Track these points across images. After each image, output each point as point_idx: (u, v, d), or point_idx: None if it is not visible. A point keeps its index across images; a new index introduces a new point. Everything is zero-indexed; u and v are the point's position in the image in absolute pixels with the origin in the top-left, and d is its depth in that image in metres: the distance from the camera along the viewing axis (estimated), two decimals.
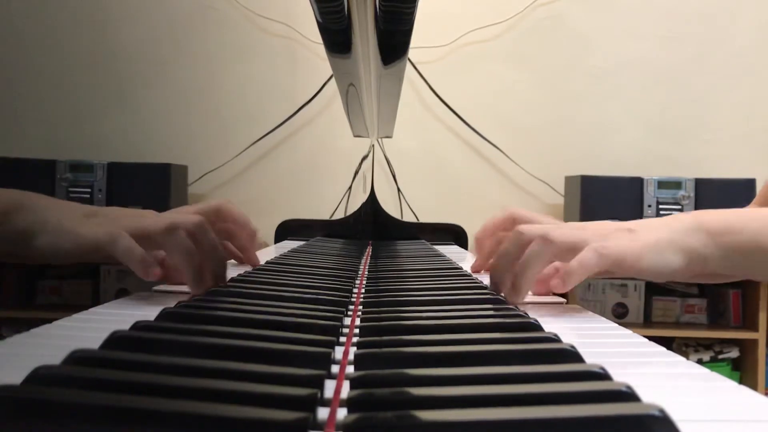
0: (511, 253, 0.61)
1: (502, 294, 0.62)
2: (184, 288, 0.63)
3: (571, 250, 0.59)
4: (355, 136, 1.60)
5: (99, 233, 0.59)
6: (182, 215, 0.64)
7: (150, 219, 0.63)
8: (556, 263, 0.64)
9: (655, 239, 0.59)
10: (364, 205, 1.58)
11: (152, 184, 2.14)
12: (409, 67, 1.95)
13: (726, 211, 0.62)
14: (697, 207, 2.15)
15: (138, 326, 0.40)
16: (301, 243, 1.34)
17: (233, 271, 0.78)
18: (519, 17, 2.47)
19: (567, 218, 2.31)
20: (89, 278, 2.31)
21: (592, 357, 0.37)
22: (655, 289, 2.30)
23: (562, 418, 0.26)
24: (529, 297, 0.65)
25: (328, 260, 0.93)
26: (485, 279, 0.78)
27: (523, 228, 0.62)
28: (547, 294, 0.66)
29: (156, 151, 2.41)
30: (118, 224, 0.61)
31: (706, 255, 0.59)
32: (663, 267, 0.59)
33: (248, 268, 0.81)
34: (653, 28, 2.46)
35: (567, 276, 0.58)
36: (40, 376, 0.29)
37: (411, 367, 0.35)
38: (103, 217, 0.63)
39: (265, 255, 1.04)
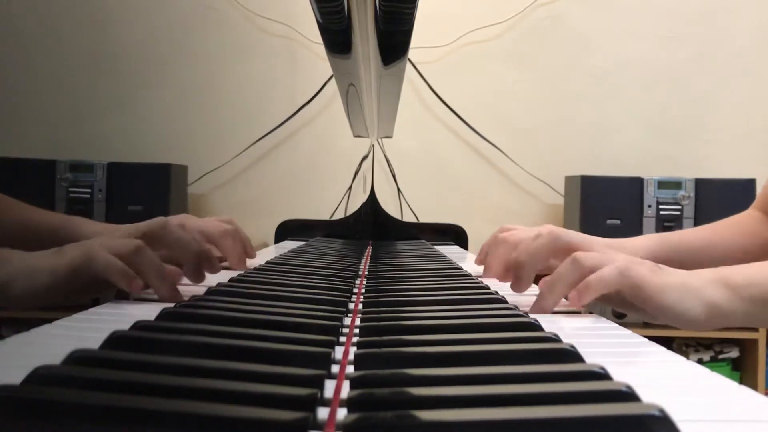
0: (543, 253, 0.66)
1: (513, 287, 0.66)
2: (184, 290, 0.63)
3: (596, 268, 0.60)
4: (355, 136, 1.60)
5: (73, 256, 0.59)
6: (143, 223, 0.67)
7: (116, 242, 0.63)
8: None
9: (680, 281, 0.59)
10: (364, 205, 1.58)
11: (152, 184, 2.14)
12: (409, 67, 1.95)
13: (747, 266, 0.62)
14: (697, 207, 2.15)
15: (138, 326, 0.40)
16: (301, 243, 1.34)
17: (233, 272, 0.78)
18: (519, 17, 2.47)
19: (567, 218, 2.31)
20: None
21: (592, 357, 0.37)
22: None
23: (562, 418, 0.26)
24: (529, 294, 0.65)
25: (328, 260, 0.93)
26: (485, 279, 0.78)
27: (562, 235, 0.67)
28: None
29: (156, 151, 2.41)
30: (89, 247, 0.61)
31: (728, 310, 0.59)
32: (683, 311, 0.59)
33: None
34: (653, 28, 2.46)
35: (584, 288, 0.58)
36: (40, 376, 0.29)
37: (411, 367, 0.35)
38: (71, 248, 0.62)
39: (265, 255, 1.04)
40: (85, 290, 0.63)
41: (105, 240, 0.63)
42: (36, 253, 0.63)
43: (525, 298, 0.66)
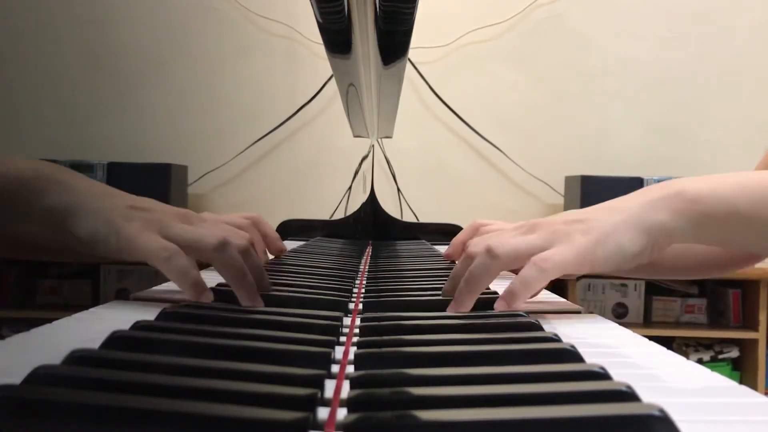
0: (459, 271, 0.58)
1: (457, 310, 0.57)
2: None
3: (516, 260, 0.56)
4: (355, 136, 1.60)
5: (153, 245, 0.53)
6: (232, 232, 0.59)
7: (202, 230, 0.57)
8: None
9: (609, 226, 0.55)
10: (364, 205, 1.58)
11: (152, 184, 2.14)
12: (409, 67, 1.95)
13: (701, 178, 0.57)
14: None
15: (138, 326, 0.40)
16: (301, 243, 1.34)
17: None
18: (519, 17, 2.47)
19: None
20: (89, 278, 2.31)
21: (592, 357, 0.37)
22: (655, 289, 2.31)
23: (563, 418, 0.26)
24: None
25: (328, 260, 0.93)
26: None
27: (471, 243, 0.60)
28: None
29: (156, 151, 2.41)
30: (163, 229, 0.55)
31: (672, 226, 0.54)
32: (621, 255, 0.54)
33: None
34: (653, 28, 2.46)
35: (510, 296, 0.54)
36: (40, 376, 0.29)
37: (411, 367, 0.35)
38: (147, 213, 0.56)
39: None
40: (135, 262, 0.57)
41: (181, 226, 0.56)
42: (109, 193, 0.57)
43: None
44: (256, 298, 0.54)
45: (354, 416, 0.27)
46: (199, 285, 0.53)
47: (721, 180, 0.56)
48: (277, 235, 0.86)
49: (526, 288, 0.54)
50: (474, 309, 0.54)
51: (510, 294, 0.54)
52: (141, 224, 0.55)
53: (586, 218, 0.58)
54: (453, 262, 0.85)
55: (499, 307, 0.54)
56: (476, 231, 0.67)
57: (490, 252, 0.56)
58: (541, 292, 0.67)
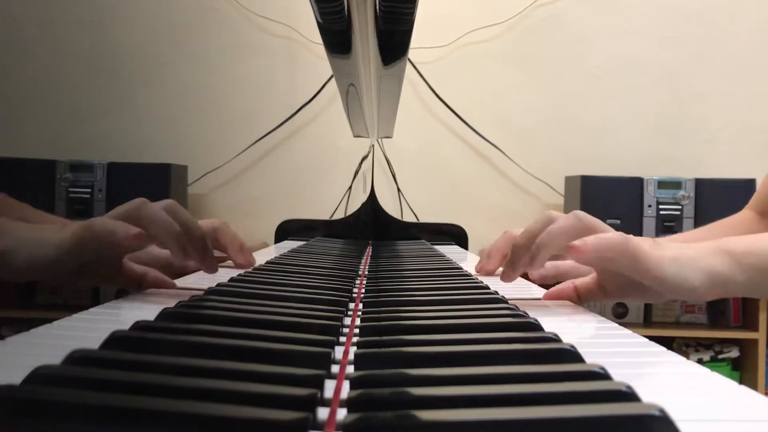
0: (536, 230, 0.63)
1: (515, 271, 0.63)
2: (184, 288, 0.63)
3: (595, 230, 0.61)
4: (355, 136, 1.60)
5: (77, 226, 0.59)
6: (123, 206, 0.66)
7: (123, 205, 0.63)
8: (575, 280, 0.65)
9: (677, 254, 0.59)
10: (364, 205, 1.58)
11: (152, 184, 2.14)
12: (409, 67, 1.95)
13: (748, 236, 0.62)
14: (697, 207, 2.15)
15: (138, 326, 0.40)
16: (301, 243, 1.34)
17: (234, 271, 0.78)
18: (519, 17, 2.47)
19: None
20: None
21: (592, 357, 0.37)
22: None
23: (563, 418, 0.26)
24: (529, 294, 0.65)
25: (328, 260, 0.93)
26: (485, 279, 0.78)
27: (552, 212, 0.65)
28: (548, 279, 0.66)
29: (156, 151, 2.41)
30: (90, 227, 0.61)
31: (729, 277, 0.59)
32: (683, 281, 0.58)
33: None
34: (653, 28, 2.46)
35: (583, 245, 0.57)
36: (40, 376, 0.29)
37: (411, 367, 0.35)
38: (75, 223, 0.62)
39: (265, 255, 1.04)
40: (91, 267, 0.62)
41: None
42: (41, 225, 0.63)
43: (524, 297, 0.66)
44: (184, 255, 0.61)
45: (354, 416, 0.27)
46: (128, 229, 0.59)
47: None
48: (241, 243, 0.85)
49: (600, 242, 0.57)
50: (473, 306, 0.54)
51: (584, 243, 0.57)
52: (69, 229, 0.59)
53: (658, 241, 0.62)
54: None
55: (573, 249, 0.57)
56: (513, 239, 0.70)
57: (578, 218, 0.61)
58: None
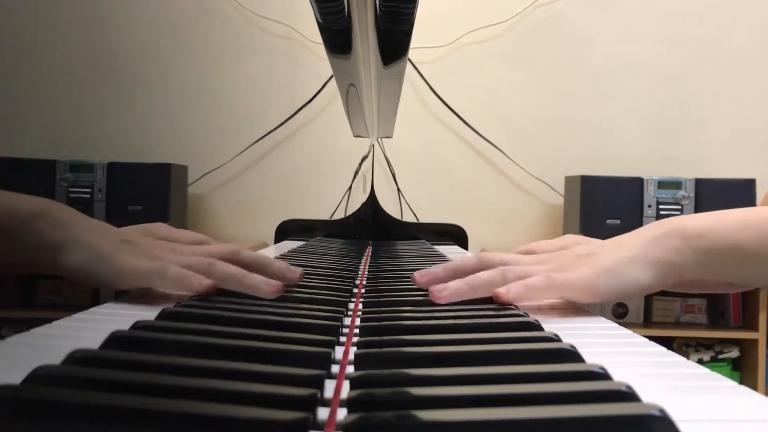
0: (466, 266, 0.60)
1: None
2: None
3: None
4: (355, 136, 1.60)
5: (145, 267, 0.56)
6: (215, 250, 0.62)
7: (190, 258, 0.59)
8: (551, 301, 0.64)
9: (614, 260, 0.57)
10: (364, 205, 1.58)
11: (152, 184, 2.14)
12: (409, 67, 1.95)
13: (705, 214, 0.60)
14: (697, 207, 2.15)
15: (138, 326, 0.40)
16: (301, 243, 1.34)
17: None
18: (519, 17, 2.47)
19: (567, 218, 2.31)
20: None
21: (592, 357, 0.37)
22: None
23: (562, 418, 0.26)
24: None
25: (328, 260, 0.93)
26: None
27: (487, 255, 0.62)
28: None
29: (156, 151, 2.42)
30: (157, 256, 0.58)
31: (680, 263, 0.57)
32: (625, 287, 0.57)
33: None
34: (653, 28, 2.46)
35: (506, 293, 0.56)
36: (40, 376, 0.29)
37: (411, 367, 0.35)
38: (138, 246, 0.59)
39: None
40: (136, 287, 0.60)
41: (171, 253, 0.60)
42: (103, 228, 0.60)
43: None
44: (267, 284, 0.56)
45: (354, 416, 0.27)
46: (201, 280, 0.56)
47: (723, 216, 0.58)
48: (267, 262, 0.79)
49: (528, 290, 0.56)
50: (473, 306, 0.54)
51: (514, 288, 0.56)
52: (132, 256, 0.58)
53: (593, 253, 0.60)
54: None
55: (497, 295, 0.56)
56: (482, 263, 0.66)
57: (503, 273, 0.58)
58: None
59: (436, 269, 0.62)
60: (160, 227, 0.67)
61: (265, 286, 0.57)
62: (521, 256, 0.65)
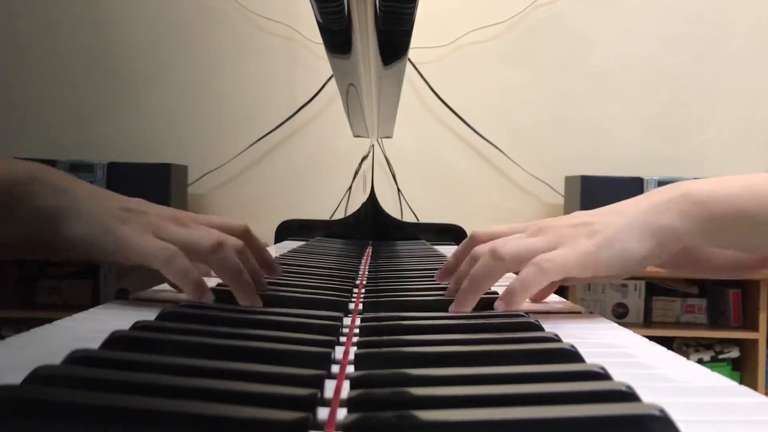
0: (463, 272, 0.59)
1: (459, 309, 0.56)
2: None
3: (520, 261, 0.55)
4: (355, 136, 1.60)
5: (152, 246, 0.53)
6: (226, 235, 0.58)
7: (197, 232, 0.57)
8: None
9: (614, 230, 0.54)
10: (364, 205, 1.58)
11: (152, 184, 2.14)
12: (409, 67, 1.95)
13: (710, 180, 0.56)
14: None
15: (138, 326, 0.40)
16: (301, 243, 1.34)
17: None
18: (519, 17, 2.47)
19: None
20: (89, 278, 2.31)
21: (592, 357, 0.37)
22: (655, 289, 2.31)
23: (563, 418, 0.26)
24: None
25: (328, 260, 0.93)
26: None
27: (477, 245, 0.61)
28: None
29: (156, 151, 2.42)
30: (158, 231, 0.55)
31: (681, 228, 0.53)
32: (626, 259, 0.54)
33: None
34: (653, 28, 2.46)
35: (508, 296, 0.54)
36: (40, 376, 0.29)
37: (411, 367, 0.35)
38: (142, 216, 0.56)
39: None
40: (133, 267, 0.56)
41: (177, 227, 0.56)
42: (102, 196, 0.56)
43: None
44: (254, 297, 0.54)
45: (354, 416, 0.27)
46: (201, 285, 0.53)
47: (728, 182, 0.55)
48: (264, 248, 0.78)
49: (524, 288, 0.54)
50: (474, 309, 0.54)
51: (508, 294, 0.54)
52: (137, 226, 0.54)
53: (591, 221, 0.57)
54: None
55: (498, 307, 0.54)
56: (473, 241, 0.65)
57: (494, 253, 0.55)
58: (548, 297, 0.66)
59: (447, 262, 0.64)
60: (252, 238, 0.62)
61: (246, 297, 0.54)
62: (513, 228, 0.63)
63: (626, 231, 0.54)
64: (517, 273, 0.57)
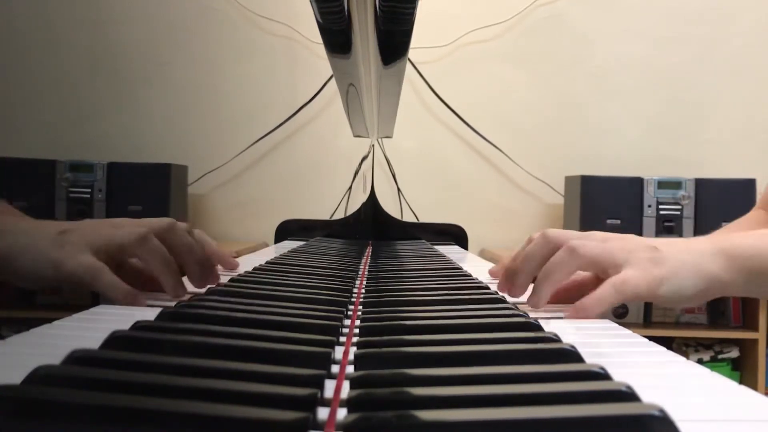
0: (536, 256, 0.62)
1: (510, 293, 0.63)
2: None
3: (595, 264, 0.59)
4: (355, 136, 1.60)
5: (80, 267, 0.57)
6: (152, 222, 0.63)
7: (123, 230, 0.61)
8: (576, 276, 0.65)
9: (679, 264, 0.58)
10: (364, 205, 1.58)
11: (152, 184, 2.14)
12: (409, 67, 1.95)
13: (744, 234, 0.61)
14: (697, 207, 2.15)
15: (138, 326, 0.40)
16: (301, 243, 1.34)
17: (233, 271, 0.78)
18: (519, 17, 2.47)
19: (567, 218, 2.31)
20: None
21: (592, 357, 0.37)
22: None
23: (562, 418, 0.26)
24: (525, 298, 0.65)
25: (328, 260, 0.93)
26: (485, 278, 0.78)
27: (551, 234, 0.63)
28: (559, 303, 0.64)
29: (156, 151, 2.41)
30: (92, 242, 0.59)
31: (727, 280, 0.58)
32: (680, 295, 0.58)
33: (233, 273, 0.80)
34: (653, 28, 2.46)
35: (581, 310, 0.57)
36: (40, 376, 0.29)
37: (411, 367, 0.35)
38: (76, 234, 0.60)
39: (265, 255, 1.04)
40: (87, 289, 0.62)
41: (106, 236, 0.60)
42: (41, 226, 0.61)
43: (525, 298, 0.66)
44: (178, 289, 0.59)
45: (354, 416, 0.27)
46: (131, 293, 0.57)
47: (765, 237, 0.60)
48: (217, 250, 0.80)
49: (599, 306, 0.57)
50: (474, 302, 0.54)
51: (582, 309, 0.57)
52: (71, 248, 0.58)
53: (659, 248, 0.60)
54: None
55: (568, 316, 0.57)
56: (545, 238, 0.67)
57: (573, 251, 0.59)
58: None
59: (510, 264, 0.65)
60: (176, 229, 0.65)
61: (172, 291, 0.59)
62: (586, 235, 0.65)
63: (689, 269, 0.58)
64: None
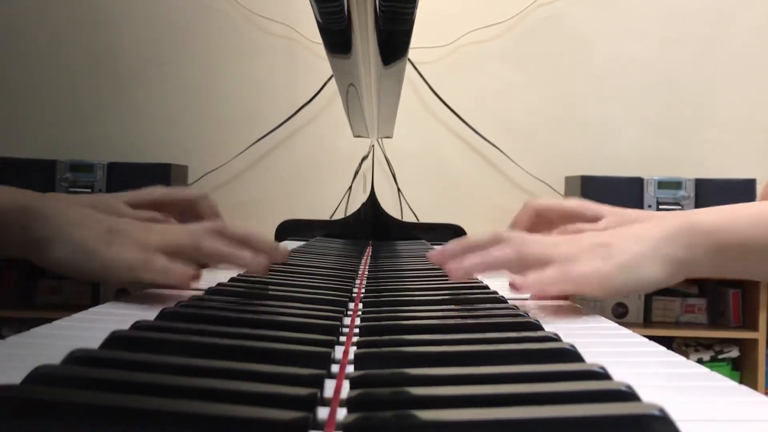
0: (480, 243, 0.60)
1: (433, 259, 0.61)
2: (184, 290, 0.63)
3: (538, 265, 0.57)
4: (355, 136, 1.60)
5: (129, 258, 0.57)
6: (198, 226, 0.63)
7: (174, 233, 0.60)
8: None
9: (629, 256, 0.57)
10: (364, 205, 1.58)
11: (152, 184, 2.12)
12: (409, 67, 1.95)
13: (716, 209, 0.59)
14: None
15: (138, 326, 0.40)
16: (301, 243, 1.34)
17: (233, 271, 0.78)
18: (519, 17, 2.47)
19: None
20: None
21: (592, 357, 0.37)
22: None
23: (562, 418, 0.26)
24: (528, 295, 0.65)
25: (328, 260, 0.93)
26: (486, 279, 0.78)
27: (502, 233, 0.61)
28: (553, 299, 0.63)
29: (156, 151, 2.41)
30: (145, 243, 0.59)
31: (693, 260, 0.57)
32: (637, 284, 0.57)
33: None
34: (653, 28, 2.46)
35: (523, 286, 0.56)
36: (40, 376, 0.29)
37: (411, 367, 0.35)
38: (125, 234, 0.59)
39: None
40: (130, 283, 0.61)
41: (158, 235, 0.59)
42: (88, 219, 0.60)
43: (524, 297, 0.66)
44: (255, 261, 0.59)
45: (354, 416, 0.27)
46: (185, 273, 0.57)
47: (736, 212, 0.58)
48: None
49: (541, 284, 0.56)
50: (474, 302, 0.54)
51: (523, 285, 0.56)
52: (120, 247, 0.58)
53: (608, 243, 0.59)
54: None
55: (513, 287, 0.56)
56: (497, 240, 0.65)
57: (519, 252, 0.58)
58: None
59: (452, 246, 0.61)
60: (156, 191, 0.66)
61: (254, 262, 0.59)
62: (535, 236, 0.64)
63: (641, 259, 0.57)
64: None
